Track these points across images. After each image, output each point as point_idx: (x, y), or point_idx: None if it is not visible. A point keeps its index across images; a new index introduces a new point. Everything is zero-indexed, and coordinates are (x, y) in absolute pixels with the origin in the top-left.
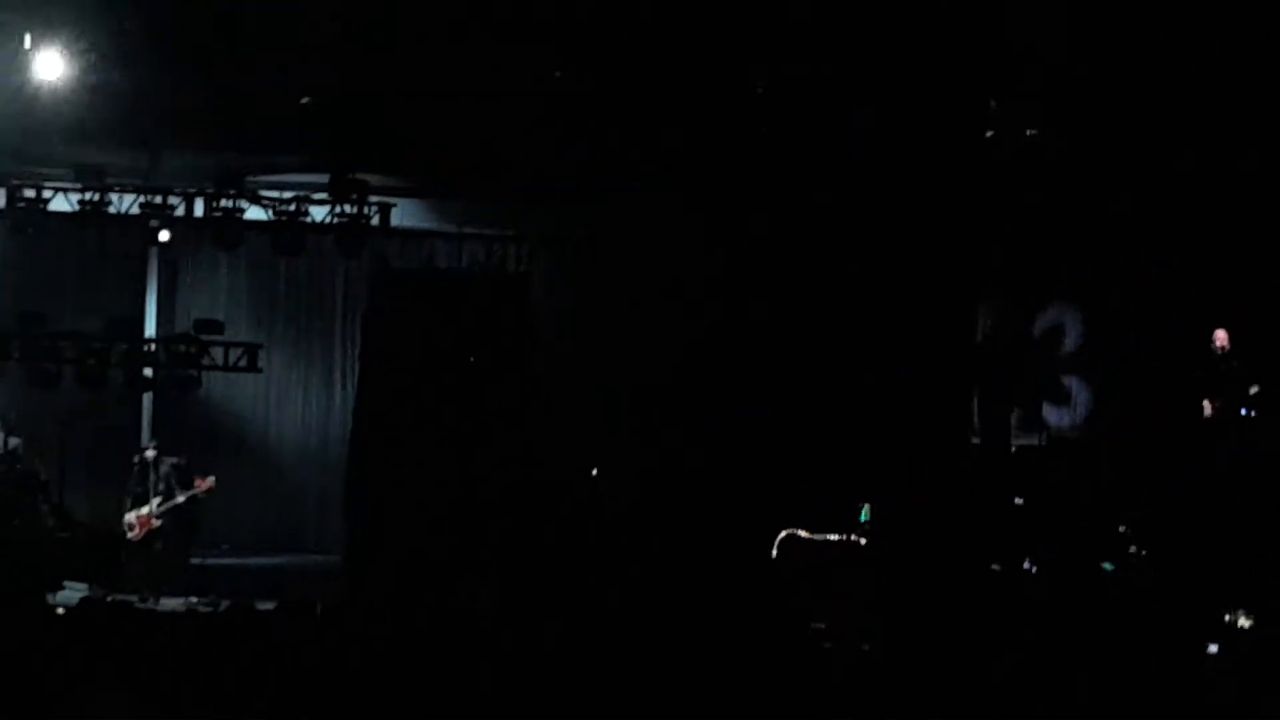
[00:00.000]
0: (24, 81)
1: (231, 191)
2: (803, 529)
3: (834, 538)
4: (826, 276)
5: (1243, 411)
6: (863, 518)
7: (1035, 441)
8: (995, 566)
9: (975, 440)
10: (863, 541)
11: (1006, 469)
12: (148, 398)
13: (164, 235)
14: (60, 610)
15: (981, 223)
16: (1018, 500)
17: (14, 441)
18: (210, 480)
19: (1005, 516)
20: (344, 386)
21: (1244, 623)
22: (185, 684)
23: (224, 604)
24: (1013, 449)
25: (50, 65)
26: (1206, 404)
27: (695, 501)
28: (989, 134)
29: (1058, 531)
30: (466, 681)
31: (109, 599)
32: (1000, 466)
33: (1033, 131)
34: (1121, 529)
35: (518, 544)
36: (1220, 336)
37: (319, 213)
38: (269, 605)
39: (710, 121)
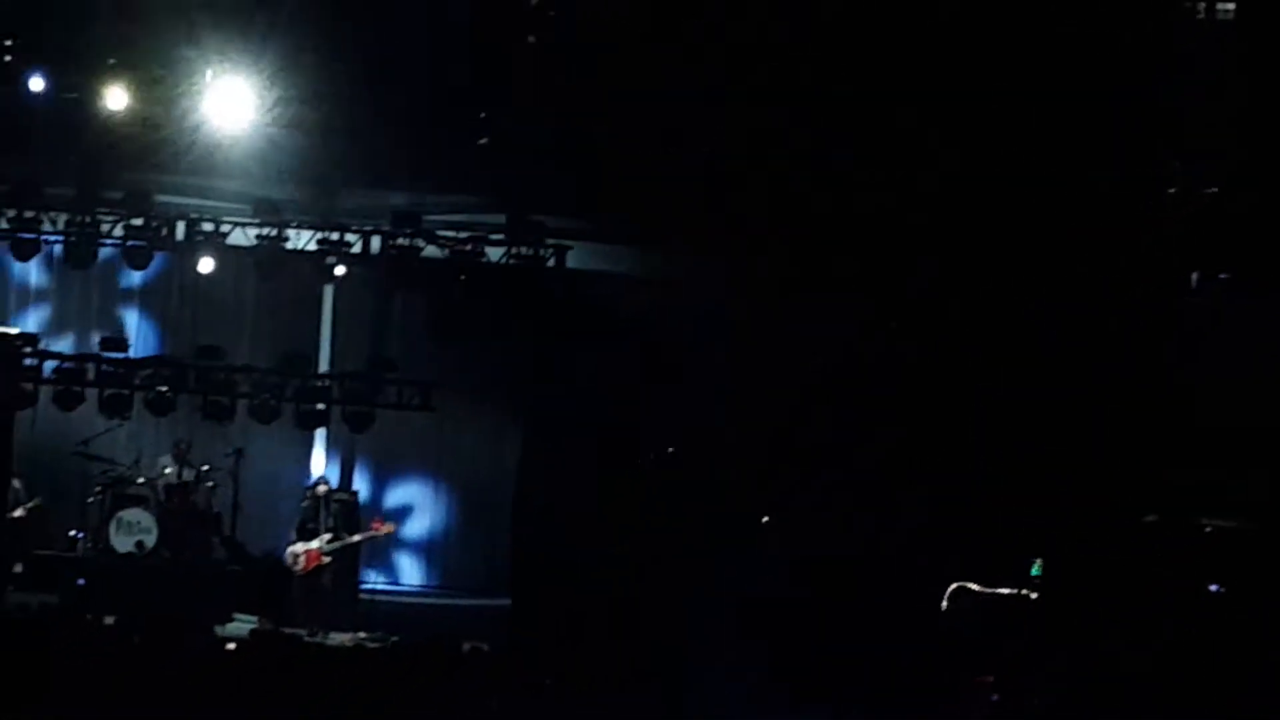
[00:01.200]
0: (205, 118)
1: (408, 230)
2: (974, 582)
3: (1005, 591)
4: (1012, 332)
5: None
6: (1034, 572)
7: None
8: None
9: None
10: (1034, 596)
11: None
12: (320, 433)
13: (339, 270)
14: (230, 645)
15: (1166, 281)
16: (1213, 587)
17: (189, 474)
18: (389, 525)
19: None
20: (515, 427)
21: None
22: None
23: (391, 640)
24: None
25: (230, 102)
26: None
27: (868, 552)
28: (1171, 191)
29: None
30: None
31: (278, 632)
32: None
33: (1213, 189)
34: None
35: (686, 592)
36: None
37: (495, 253)
38: (432, 642)
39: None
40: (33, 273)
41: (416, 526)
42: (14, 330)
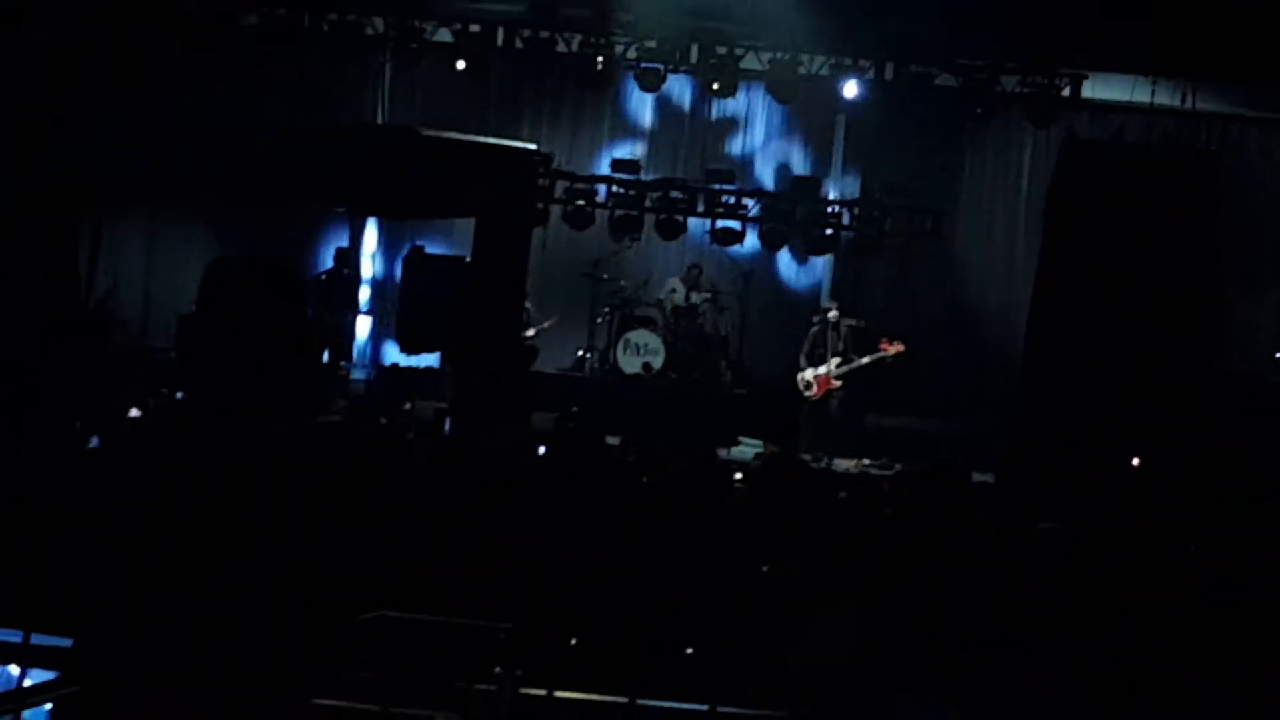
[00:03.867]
0: None
1: (923, 57)
2: None
3: None
4: None
5: None
6: None
7: None
8: None
9: None
10: None
11: None
12: (828, 259)
13: (850, 92)
14: (735, 469)
15: None
16: None
17: (697, 297)
18: (898, 345)
19: None
20: (1026, 256)
21: None
22: (855, 547)
23: (896, 466)
24: None
25: None
26: None
27: None
28: None
29: None
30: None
31: (787, 455)
32: None
33: None
34: None
35: (1195, 440)
36: None
37: (1009, 82)
38: (936, 470)
39: None
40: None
41: (922, 355)
42: (530, 146)
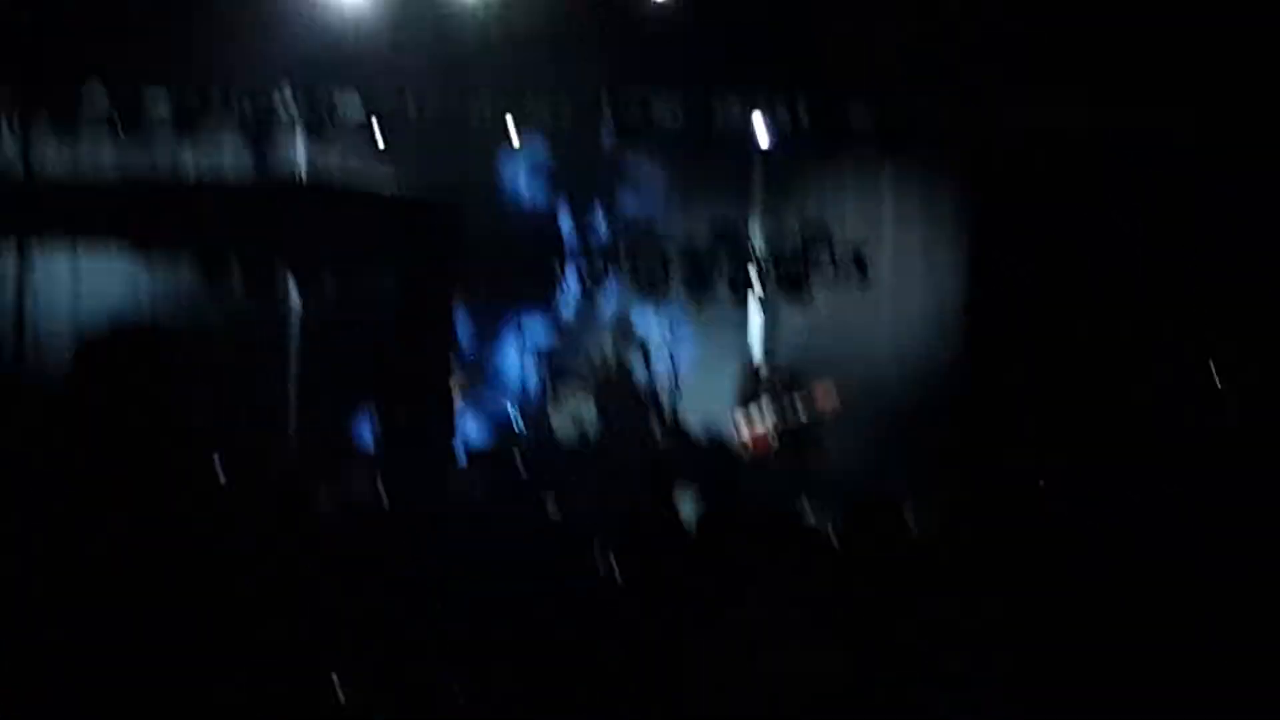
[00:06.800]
0: None
1: (838, 97)
2: None
3: None
4: None
5: None
6: None
7: None
8: None
9: None
10: None
11: None
12: (755, 303)
13: (763, 131)
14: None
15: None
16: None
17: (625, 351)
18: (831, 394)
19: None
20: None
21: None
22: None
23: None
24: None
25: None
26: None
27: None
28: None
29: None
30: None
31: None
32: None
33: None
34: None
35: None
36: None
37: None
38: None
39: None
40: None
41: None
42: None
